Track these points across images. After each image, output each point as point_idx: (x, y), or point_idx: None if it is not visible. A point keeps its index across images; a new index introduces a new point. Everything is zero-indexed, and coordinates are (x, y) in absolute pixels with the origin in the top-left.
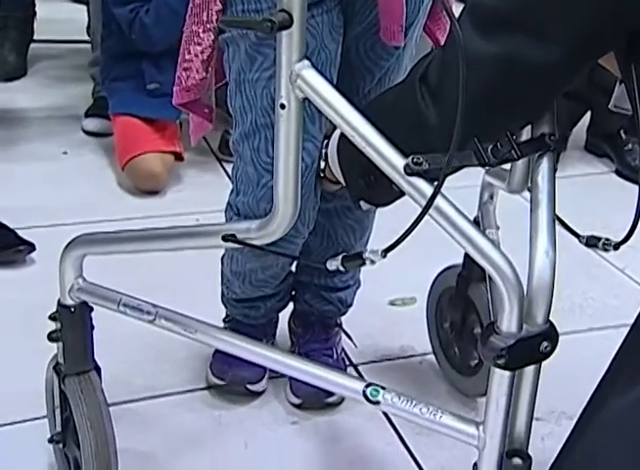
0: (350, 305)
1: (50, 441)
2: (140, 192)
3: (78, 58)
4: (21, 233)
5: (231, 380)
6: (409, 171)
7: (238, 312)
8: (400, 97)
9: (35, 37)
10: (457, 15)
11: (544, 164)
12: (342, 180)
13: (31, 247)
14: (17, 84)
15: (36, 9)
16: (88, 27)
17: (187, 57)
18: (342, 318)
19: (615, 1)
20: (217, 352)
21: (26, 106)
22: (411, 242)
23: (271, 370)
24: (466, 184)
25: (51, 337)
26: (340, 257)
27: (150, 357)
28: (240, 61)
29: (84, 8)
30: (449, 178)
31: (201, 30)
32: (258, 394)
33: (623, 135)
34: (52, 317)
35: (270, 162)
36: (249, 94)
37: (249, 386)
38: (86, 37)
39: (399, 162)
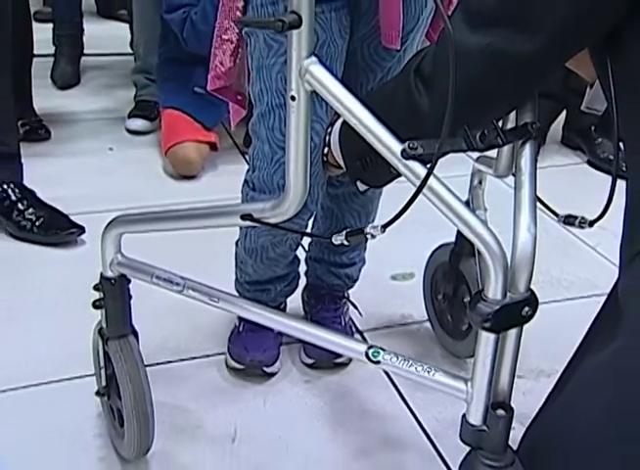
0: (356, 280)
1: (97, 394)
2: (179, 177)
3: (122, 68)
4: (73, 218)
5: (249, 365)
6: (405, 155)
7: (250, 296)
8: (397, 87)
9: (85, 51)
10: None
11: (527, 151)
12: (342, 164)
13: (82, 230)
14: (71, 91)
15: (84, 27)
16: (131, 42)
17: (217, 48)
18: (350, 291)
19: (591, 7)
20: (234, 335)
21: (79, 109)
22: (409, 225)
23: (286, 336)
24: (458, 174)
25: (95, 305)
26: (344, 232)
27: (183, 326)
28: (259, 49)
29: (126, 25)
30: (444, 168)
31: (227, 25)
32: (273, 374)
33: (594, 131)
34: (96, 288)
35: (283, 139)
36: (265, 78)
37: (265, 368)
38: (128, 50)
39: (397, 147)
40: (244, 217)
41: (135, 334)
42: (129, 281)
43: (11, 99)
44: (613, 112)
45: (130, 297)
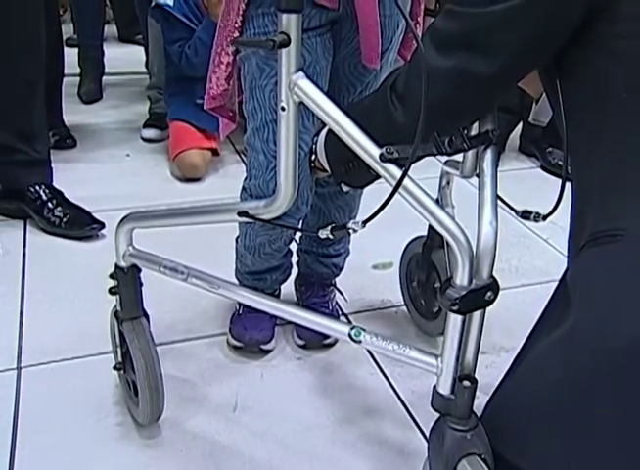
0: (342, 269)
1: (114, 368)
2: (185, 180)
3: (138, 85)
4: (95, 215)
5: (248, 343)
6: (383, 159)
7: (248, 284)
8: (375, 101)
9: (107, 71)
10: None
11: (489, 155)
12: (327, 168)
13: (102, 225)
14: (95, 105)
15: (104, 50)
16: (146, 62)
17: (213, 72)
18: (336, 279)
19: (538, 35)
20: (234, 318)
21: (101, 121)
22: (388, 220)
23: (281, 319)
24: (429, 176)
25: (111, 291)
26: (329, 227)
27: (189, 310)
28: (252, 72)
29: (142, 48)
30: (417, 171)
31: (223, 52)
32: (269, 351)
33: (541, 140)
34: (111, 276)
35: (276, 150)
36: (259, 97)
37: (262, 346)
38: (144, 70)
39: (375, 151)
40: (240, 214)
41: (146, 316)
42: (140, 270)
43: (44, 112)
44: (562, 124)
45: (141, 284)
